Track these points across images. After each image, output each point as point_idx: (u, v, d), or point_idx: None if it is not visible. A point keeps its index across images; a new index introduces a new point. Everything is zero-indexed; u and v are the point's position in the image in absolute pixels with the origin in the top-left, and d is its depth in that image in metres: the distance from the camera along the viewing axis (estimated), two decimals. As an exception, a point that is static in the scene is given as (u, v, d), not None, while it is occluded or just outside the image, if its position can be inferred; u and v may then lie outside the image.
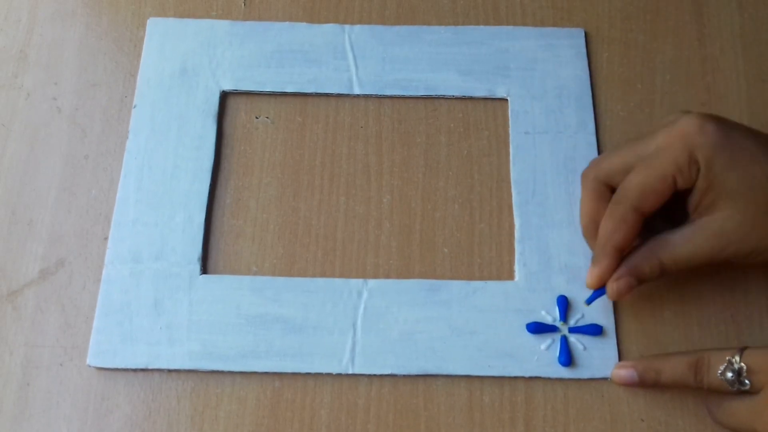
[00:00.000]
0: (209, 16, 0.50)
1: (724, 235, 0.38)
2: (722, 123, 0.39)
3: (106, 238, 0.44)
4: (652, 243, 0.40)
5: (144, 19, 0.50)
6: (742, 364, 0.36)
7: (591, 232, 0.42)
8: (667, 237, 0.40)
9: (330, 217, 0.45)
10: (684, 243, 0.39)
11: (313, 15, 0.50)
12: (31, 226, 0.45)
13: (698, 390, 0.39)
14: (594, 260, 0.41)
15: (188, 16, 0.50)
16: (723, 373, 0.37)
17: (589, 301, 0.42)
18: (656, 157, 0.39)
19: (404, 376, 0.41)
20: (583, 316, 0.42)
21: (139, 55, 0.49)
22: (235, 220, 0.45)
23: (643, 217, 0.39)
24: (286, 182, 0.46)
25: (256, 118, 0.48)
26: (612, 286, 0.40)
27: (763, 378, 0.36)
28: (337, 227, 0.45)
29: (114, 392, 0.41)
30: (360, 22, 0.50)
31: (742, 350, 0.37)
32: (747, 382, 0.36)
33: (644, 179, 0.39)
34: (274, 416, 0.41)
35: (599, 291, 0.41)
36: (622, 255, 0.40)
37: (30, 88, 0.48)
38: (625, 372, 0.40)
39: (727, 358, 0.37)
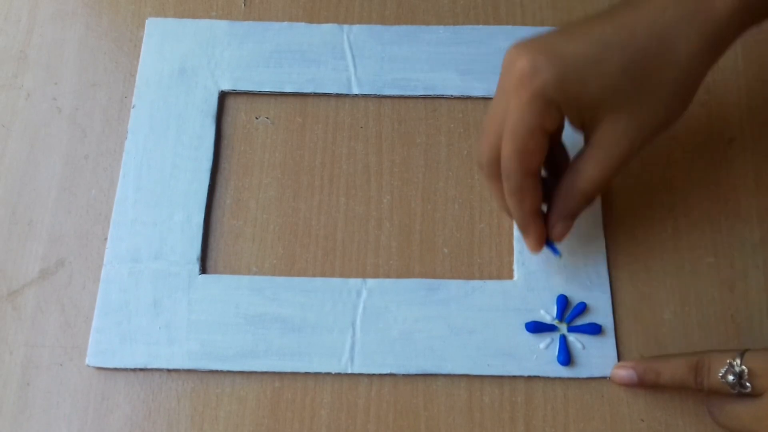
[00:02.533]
0: (209, 17, 0.50)
1: (622, 138, 0.36)
2: (550, 49, 0.35)
3: (106, 238, 0.44)
4: (565, 180, 0.39)
5: (144, 19, 0.50)
6: (744, 367, 0.36)
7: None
8: (576, 167, 0.38)
9: (330, 217, 0.45)
10: (593, 163, 0.37)
11: (313, 15, 0.50)
12: (31, 226, 0.45)
13: (698, 391, 0.39)
14: (522, 232, 0.40)
15: (188, 17, 0.50)
16: (724, 376, 0.37)
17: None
18: (512, 116, 0.36)
19: (404, 376, 0.41)
20: (582, 315, 0.42)
21: (139, 55, 0.49)
22: (234, 220, 0.45)
23: (536, 173, 0.38)
24: (286, 182, 0.46)
25: (256, 118, 0.48)
26: (553, 234, 0.40)
27: (765, 382, 0.36)
28: (337, 227, 0.45)
29: (114, 392, 0.41)
30: (360, 21, 0.50)
31: (742, 353, 0.36)
32: (748, 385, 0.36)
33: (515, 146, 0.36)
34: (274, 416, 0.41)
35: (548, 245, 0.41)
36: (540, 212, 0.39)
37: (30, 88, 0.48)
38: (625, 372, 0.40)
39: (728, 360, 0.37)
